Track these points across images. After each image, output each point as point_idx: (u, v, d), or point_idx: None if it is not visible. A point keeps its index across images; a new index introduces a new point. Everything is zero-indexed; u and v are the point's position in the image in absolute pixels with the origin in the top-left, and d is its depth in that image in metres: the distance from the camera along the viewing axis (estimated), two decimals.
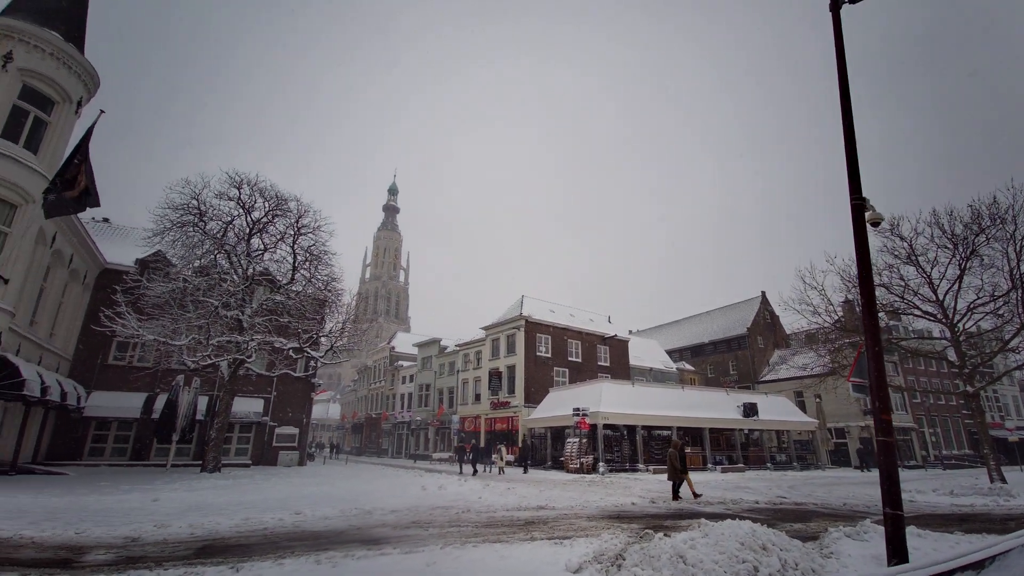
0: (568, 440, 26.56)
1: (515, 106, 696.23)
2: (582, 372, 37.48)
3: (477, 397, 39.23)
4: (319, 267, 24.59)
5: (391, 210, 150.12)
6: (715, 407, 31.27)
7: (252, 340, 20.56)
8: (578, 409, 24.85)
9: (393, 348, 55.37)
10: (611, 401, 26.88)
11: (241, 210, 22.55)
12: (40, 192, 14.57)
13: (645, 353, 48.06)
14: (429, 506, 11.75)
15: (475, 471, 25.58)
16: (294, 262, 23.45)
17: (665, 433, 29.34)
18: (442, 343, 46.62)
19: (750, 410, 31.72)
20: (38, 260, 18.71)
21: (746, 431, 33.11)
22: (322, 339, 23.67)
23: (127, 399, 24.84)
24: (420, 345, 49.67)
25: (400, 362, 52.82)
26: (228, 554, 6.79)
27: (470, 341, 42.10)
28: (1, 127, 14.25)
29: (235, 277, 21.91)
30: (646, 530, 7.66)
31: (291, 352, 22.80)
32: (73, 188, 13.46)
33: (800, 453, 35.26)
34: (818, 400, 36.55)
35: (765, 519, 10.40)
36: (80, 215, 28.59)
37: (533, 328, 36.47)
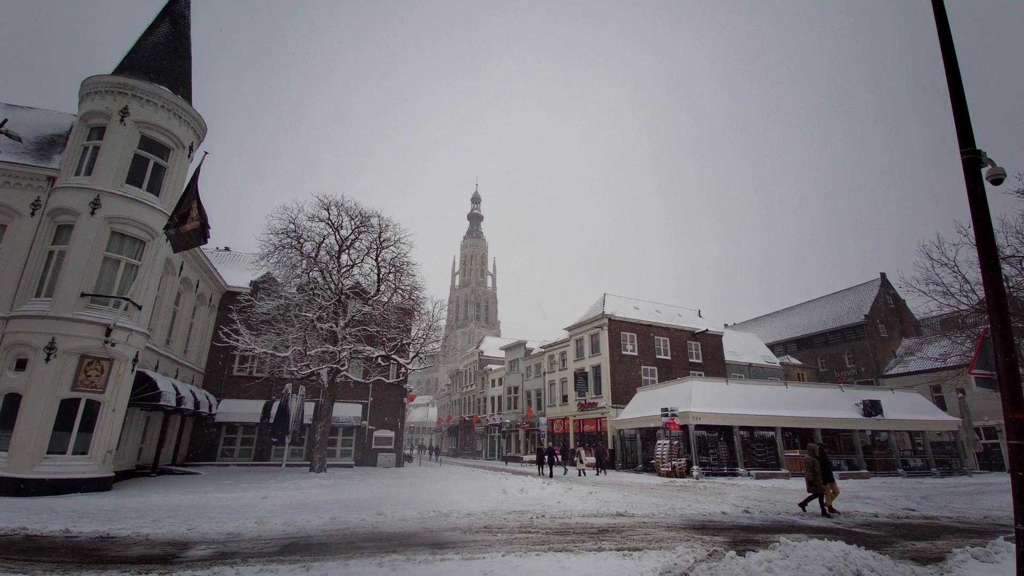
0: (658, 442, 25.35)
1: (600, 101, 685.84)
2: (672, 370, 35.67)
3: (564, 399, 38.89)
4: (402, 277, 25.92)
5: (475, 218, 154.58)
6: (827, 405, 28.15)
7: (344, 350, 22.05)
8: (666, 409, 23.64)
9: (481, 352, 56.74)
10: (702, 400, 25.23)
11: (330, 229, 24.39)
12: (162, 229, 16.82)
13: (743, 348, 44.63)
14: (506, 510, 11.74)
15: (551, 474, 25.43)
16: (378, 274, 24.88)
17: (769, 434, 26.95)
18: (527, 345, 46.89)
19: (872, 408, 28.12)
20: (169, 288, 21.60)
21: (869, 432, 29.41)
22: (408, 346, 24.79)
23: (249, 406, 27.83)
24: (507, 348, 50.37)
25: (489, 366, 53.98)
26: (307, 552, 7.24)
27: (555, 342, 41.88)
28: (126, 174, 16.68)
29: (328, 292, 23.67)
30: (718, 547, 6.98)
31: (379, 360, 24.14)
32: (187, 223, 15.34)
33: (940, 457, 30.61)
34: (960, 395, 31.48)
35: (880, 537, 9.07)
36: (204, 246, 32.69)
37: (616, 326, 35.39)
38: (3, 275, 15.32)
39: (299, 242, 23.65)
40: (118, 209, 16.37)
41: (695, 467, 23.63)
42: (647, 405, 28.47)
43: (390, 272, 25.53)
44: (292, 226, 23.62)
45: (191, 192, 15.80)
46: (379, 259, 24.79)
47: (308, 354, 21.56)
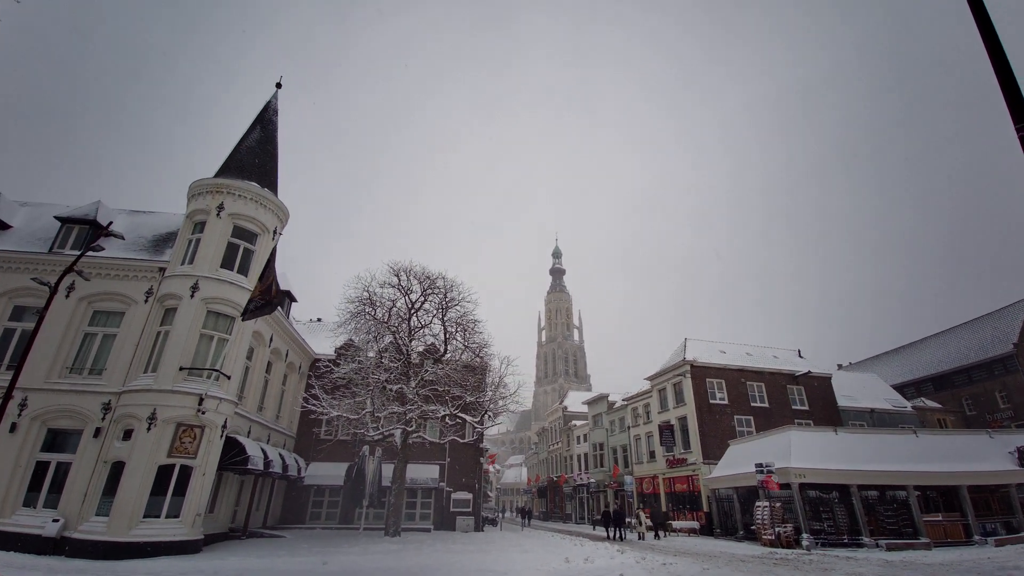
0: (757, 504, 22.27)
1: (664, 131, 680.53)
2: (772, 419, 31.88)
3: (652, 454, 36.05)
4: (469, 336, 26.34)
5: (557, 273, 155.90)
6: (972, 455, 23.30)
7: (411, 411, 22.45)
8: (761, 465, 20.90)
9: (565, 408, 55.09)
10: (805, 453, 22.00)
11: (400, 294, 25.68)
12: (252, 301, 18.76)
13: (861, 391, 39.00)
14: None
15: (610, 536, 24.82)
16: (445, 335, 25.51)
17: (901, 495, 22.70)
18: (610, 398, 44.78)
19: None
20: (260, 358, 23.67)
21: None
22: (477, 404, 24.71)
23: (335, 468, 28.91)
24: (589, 403, 48.48)
25: (574, 422, 52.09)
26: None
27: (637, 394, 39.60)
28: (220, 259, 19.01)
29: (398, 354, 24.57)
30: None
31: (447, 419, 24.23)
32: (261, 297, 16.97)
33: None
34: None
35: None
36: (298, 318, 35.74)
37: (701, 372, 32.73)
38: (119, 355, 17.76)
39: (373, 308, 25.06)
40: (212, 291, 18.52)
41: (805, 535, 20.30)
42: (741, 460, 25.43)
43: (457, 331, 26.11)
44: (366, 293, 25.19)
45: (268, 269, 17.54)
46: (445, 319, 25.51)
47: (378, 415, 22.21)
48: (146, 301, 18.62)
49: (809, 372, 34.98)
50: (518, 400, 27.24)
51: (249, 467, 19.78)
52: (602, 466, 42.94)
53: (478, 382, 25.08)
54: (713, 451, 30.10)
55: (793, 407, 33.56)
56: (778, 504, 21.64)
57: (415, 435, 24.83)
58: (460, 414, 23.67)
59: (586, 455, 46.04)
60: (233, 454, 19.13)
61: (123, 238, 16.08)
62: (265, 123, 23.59)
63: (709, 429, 31.17)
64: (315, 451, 29.59)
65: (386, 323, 25.00)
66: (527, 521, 42.28)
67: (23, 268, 18.30)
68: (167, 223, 22.18)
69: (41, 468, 16.23)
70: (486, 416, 24.82)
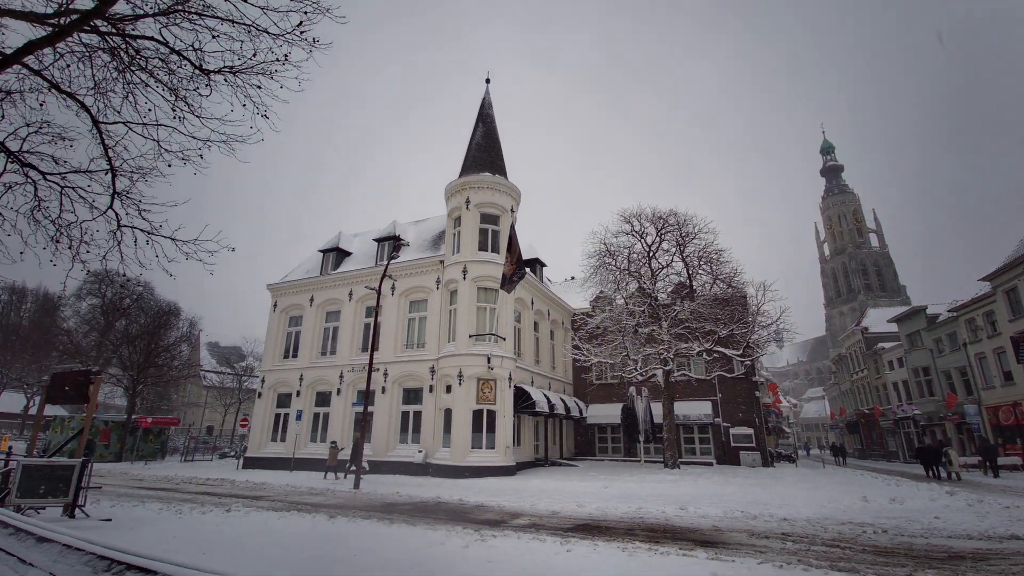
0: None
1: None
2: None
3: (1007, 376, 27.09)
4: (716, 267, 24.81)
5: (832, 171, 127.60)
6: None
7: (664, 351, 22.71)
8: None
9: (865, 329, 45.92)
10: None
11: (635, 239, 25.93)
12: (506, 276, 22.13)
13: None
14: (843, 520, 9.80)
15: (928, 475, 21.69)
16: (688, 271, 24.66)
17: None
18: (929, 311, 35.19)
19: None
20: (527, 319, 27.54)
21: None
22: (735, 336, 23.31)
23: (611, 408, 31.62)
24: (899, 320, 39.12)
25: (880, 344, 43.12)
26: (588, 532, 8.44)
27: (972, 301, 30.08)
28: (477, 244, 22.85)
29: (644, 298, 25.01)
30: None
31: (705, 355, 23.58)
32: (510, 268, 19.81)
33: None
34: None
35: None
36: (552, 279, 39.64)
37: None
38: (431, 331, 23.40)
39: (612, 258, 26.03)
40: (477, 271, 22.52)
41: None
42: None
43: (700, 265, 24.93)
44: (603, 246, 26.31)
45: (512, 244, 20.30)
46: (685, 255, 24.64)
47: (632, 359, 23.27)
48: (437, 288, 23.87)
49: None
50: (787, 327, 24.37)
51: (536, 410, 23.58)
52: (930, 394, 34.55)
53: (731, 314, 23.50)
54: None
55: None
56: None
57: (678, 373, 25.06)
58: (718, 348, 22.77)
59: (904, 382, 37.69)
60: (523, 400, 23.13)
61: (408, 244, 20.90)
62: (484, 118, 26.65)
63: None
64: (590, 394, 32.83)
65: (627, 270, 25.65)
66: (841, 459, 37.32)
67: (362, 280, 25.69)
68: (439, 224, 27.64)
69: (404, 416, 22.98)
70: (748, 348, 23.16)
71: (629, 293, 25.88)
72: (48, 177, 8.45)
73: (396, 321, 24.27)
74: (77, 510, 8.92)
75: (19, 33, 7.71)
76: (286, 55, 7.73)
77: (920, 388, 35.68)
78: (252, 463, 24.91)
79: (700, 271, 25.05)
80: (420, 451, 21.07)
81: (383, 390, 23.03)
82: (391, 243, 25.26)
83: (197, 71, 7.87)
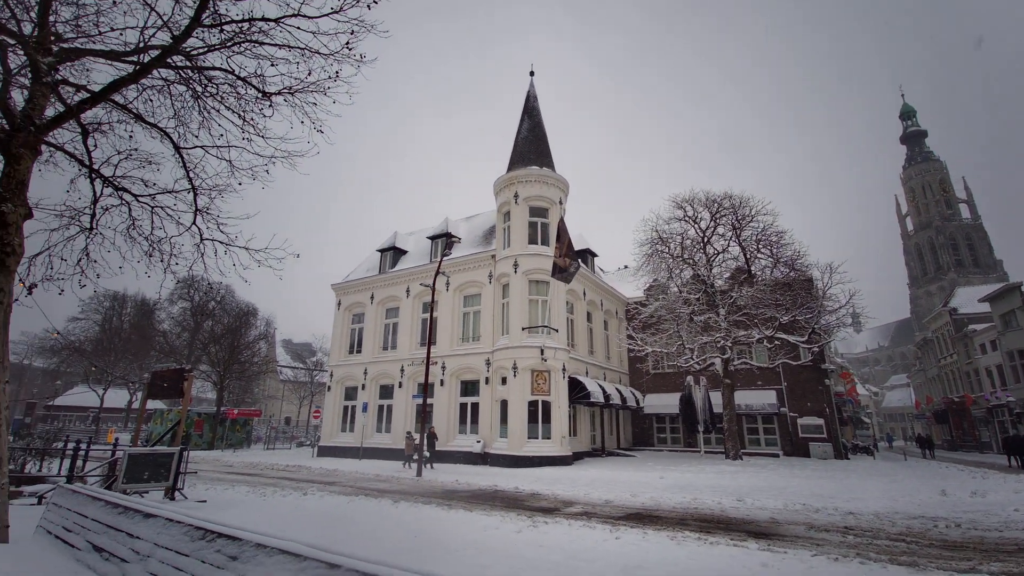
0: None
1: None
2: None
3: None
4: (777, 250, 23.73)
5: (914, 138, 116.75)
6: None
7: (726, 339, 22.04)
8: None
9: (954, 310, 42.07)
10: None
11: (688, 224, 25.23)
12: (550, 273, 22.30)
13: None
14: (914, 515, 9.31)
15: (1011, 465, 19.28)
16: (746, 255, 23.74)
17: None
18: None
19: None
20: (580, 310, 27.53)
21: None
22: (798, 322, 22.23)
23: (668, 398, 31.08)
24: (991, 299, 35.51)
25: (972, 326, 39.41)
26: (639, 521, 8.57)
27: None
28: (527, 237, 23.10)
29: (699, 285, 24.33)
30: None
31: (766, 342, 22.66)
32: (562, 260, 19.93)
33: None
34: None
35: None
36: (605, 269, 39.26)
37: None
38: (485, 324, 23.97)
39: (664, 246, 25.46)
40: (528, 264, 22.81)
41: None
42: None
43: (759, 248, 23.90)
44: (655, 233, 25.79)
45: (561, 235, 20.42)
46: (741, 239, 23.72)
47: (688, 347, 22.77)
48: (490, 282, 24.37)
49: None
50: (859, 311, 22.89)
51: (591, 400, 23.66)
52: None
53: (794, 299, 22.37)
54: None
55: None
56: None
57: (738, 361, 24.25)
58: (781, 335, 21.81)
59: (998, 367, 34.28)
60: (577, 390, 23.27)
61: (460, 241, 21.49)
62: (530, 111, 26.73)
63: None
64: (647, 383, 32.38)
65: (681, 257, 25.03)
66: (928, 452, 34.52)
67: (418, 277, 26.64)
68: (490, 219, 28.11)
69: (462, 408, 23.75)
70: (813, 334, 22.01)
71: (683, 281, 25.26)
72: (139, 199, 9.51)
73: (451, 315, 25.05)
74: (176, 493, 10.10)
75: (102, 70, 8.70)
76: (337, 72, 8.29)
77: (1015, 373, 32.30)
78: (325, 451, 26.70)
79: (759, 255, 24.03)
80: (478, 441, 21.76)
81: (441, 383, 23.91)
82: (443, 240, 26.03)
83: (260, 95, 8.59)
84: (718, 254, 24.95)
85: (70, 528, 3.50)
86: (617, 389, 28.11)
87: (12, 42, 7.08)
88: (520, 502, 10.71)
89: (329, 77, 8.34)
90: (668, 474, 16.22)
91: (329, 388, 28.71)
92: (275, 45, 8.11)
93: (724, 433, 23.46)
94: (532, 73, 27.18)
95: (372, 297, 28.30)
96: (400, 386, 25.52)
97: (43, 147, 7.56)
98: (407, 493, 12.07)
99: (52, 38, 7.40)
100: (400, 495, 11.60)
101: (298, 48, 8.13)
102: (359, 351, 28.27)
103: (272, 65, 8.10)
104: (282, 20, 7.77)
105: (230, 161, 9.07)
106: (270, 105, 8.72)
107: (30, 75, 7.41)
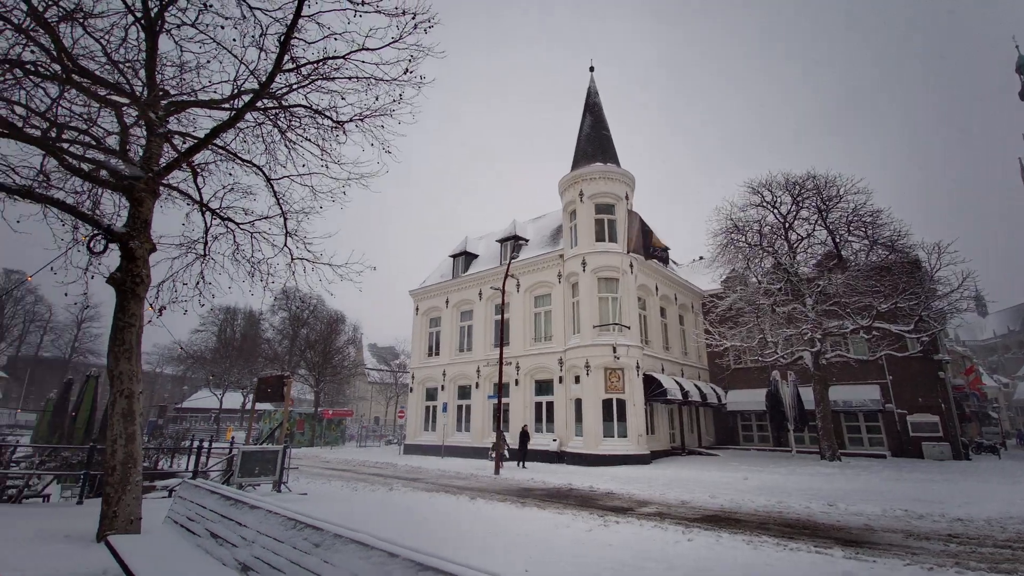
0: None
1: None
2: None
3: None
4: (872, 231, 21.73)
5: None
6: None
7: (816, 331, 20.56)
8: None
9: None
10: None
11: (766, 210, 23.77)
12: (624, 264, 21.98)
13: None
14: None
15: None
16: (835, 239, 21.97)
17: None
18: None
19: None
20: (652, 305, 26.86)
21: None
22: (900, 310, 20.19)
23: (754, 395, 29.42)
24: None
25: None
26: (715, 523, 8.37)
27: None
28: (594, 235, 22.95)
29: (781, 273, 22.86)
30: None
31: (862, 332, 20.81)
32: (644, 244, 19.68)
33: None
34: None
35: None
36: (679, 261, 37.94)
37: None
38: (557, 324, 24.13)
39: (741, 235, 24.17)
40: (596, 261, 22.69)
41: None
42: None
43: (851, 231, 22.01)
44: (729, 222, 24.56)
45: (630, 229, 20.17)
46: (828, 222, 21.96)
47: (771, 341, 21.47)
48: (559, 282, 24.51)
49: None
50: (979, 293, 20.38)
51: (668, 397, 23.04)
52: None
53: (894, 284, 20.31)
54: None
55: None
56: None
57: (831, 354, 22.50)
58: (879, 324, 19.95)
59: None
60: (653, 388, 22.78)
61: (527, 242, 21.84)
62: (591, 107, 26.52)
63: None
64: (728, 379, 30.87)
65: (759, 245, 23.65)
66: None
67: (489, 281, 27.35)
68: (557, 219, 28.24)
69: (537, 407, 24.09)
70: (921, 322, 19.89)
71: (763, 270, 23.83)
72: (241, 226, 10.76)
73: (523, 316, 25.48)
74: (282, 486, 11.32)
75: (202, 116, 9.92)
76: (400, 95, 8.92)
77: None
78: (410, 449, 28.24)
79: (850, 238, 22.12)
80: (554, 440, 21.99)
81: (516, 382, 24.42)
82: (512, 243, 26.54)
83: (334, 124, 9.42)
84: (802, 240, 23.29)
85: (192, 518, 4.22)
86: (696, 385, 27.10)
87: (126, 102, 8.33)
88: (593, 501, 10.81)
89: (393, 101, 8.98)
90: (754, 475, 15.49)
91: (411, 389, 30.29)
92: (345, 78, 8.88)
93: (818, 432, 21.87)
94: (592, 68, 26.96)
95: (447, 301, 29.47)
96: (477, 387, 26.38)
97: (160, 189, 8.84)
98: (484, 490, 12.59)
99: (160, 93, 8.62)
100: (477, 492, 12.14)
101: (364, 79, 8.85)
102: (437, 353, 29.57)
103: (342, 98, 8.88)
104: (350, 55, 8.48)
105: (312, 187, 10.01)
106: (344, 132, 9.54)
107: (144, 128, 8.69)
